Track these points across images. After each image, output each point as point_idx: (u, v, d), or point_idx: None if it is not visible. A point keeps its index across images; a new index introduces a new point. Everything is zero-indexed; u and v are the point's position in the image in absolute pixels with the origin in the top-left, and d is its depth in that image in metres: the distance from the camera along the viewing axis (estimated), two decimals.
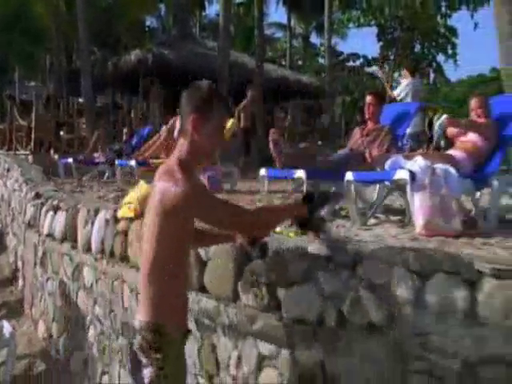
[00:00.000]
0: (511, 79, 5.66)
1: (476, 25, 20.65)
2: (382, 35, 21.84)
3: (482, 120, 4.53)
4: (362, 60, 30.77)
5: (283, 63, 28.12)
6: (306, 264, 2.48)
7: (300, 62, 33.52)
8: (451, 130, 4.64)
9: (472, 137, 4.45)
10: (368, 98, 5.14)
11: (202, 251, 3.02)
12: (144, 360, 1.85)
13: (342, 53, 31.93)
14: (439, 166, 3.87)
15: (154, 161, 7.28)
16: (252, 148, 12.75)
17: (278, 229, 3.12)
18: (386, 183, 4.02)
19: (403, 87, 7.84)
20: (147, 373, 1.83)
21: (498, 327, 2.22)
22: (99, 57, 20.71)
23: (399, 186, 3.91)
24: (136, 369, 1.89)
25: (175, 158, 1.92)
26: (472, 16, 20.38)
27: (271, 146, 4.79)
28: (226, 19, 17.12)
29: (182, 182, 1.80)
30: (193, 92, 1.97)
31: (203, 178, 7.20)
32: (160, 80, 16.71)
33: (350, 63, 31.51)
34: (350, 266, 2.38)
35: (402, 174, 3.72)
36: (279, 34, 35.02)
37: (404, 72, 8.33)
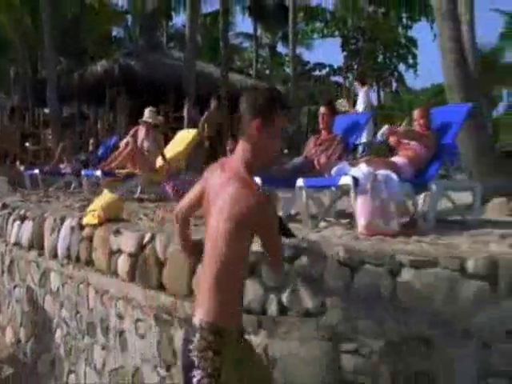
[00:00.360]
0: (452, 92, 6.08)
1: (435, 36, 21.35)
2: (345, 46, 22.47)
3: (423, 130, 4.92)
4: (327, 69, 31.43)
5: (251, 72, 28.51)
6: (251, 260, 2.77)
7: (268, 72, 34.04)
8: (393, 139, 5.02)
9: (413, 145, 4.83)
10: (322, 109, 5.50)
11: (159, 251, 3.29)
12: (197, 360, 1.82)
13: (308, 62, 32.53)
14: (381, 172, 4.23)
15: (120, 171, 7.49)
16: (218, 156, 13.07)
17: None
18: (333, 189, 4.34)
19: (361, 98, 8.29)
20: (197, 375, 1.81)
21: (415, 311, 2.56)
22: (65, 67, 20.72)
23: (344, 191, 4.23)
24: (187, 367, 1.87)
25: (241, 162, 1.94)
26: (431, 27, 21.23)
27: (230, 155, 5.07)
28: (192, 30, 17.37)
29: (254, 189, 1.88)
30: (254, 97, 1.98)
31: (168, 188, 7.46)
32: (126, 90, 16.87)
33: (317, 72, 32.15)
34: (289, 260, 2.69)
35: (346, 180, 4.06)
36: (247, 44, 35.44)
37: (356, 83, 8.78)
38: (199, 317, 1.86)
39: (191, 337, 1.85)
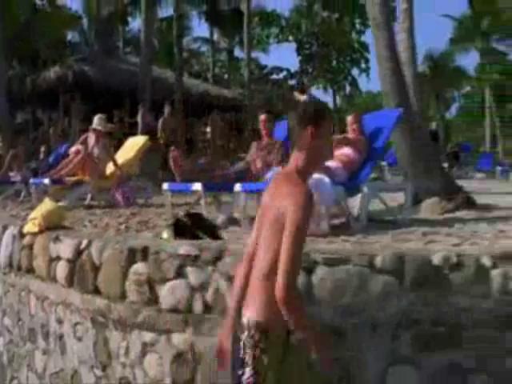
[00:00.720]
0: (388, 98, 6.38)
1: None
2: (300, 50, 22.84)
3: (355, 134, 5.19)
4: (285, 73, 31.83)
5: (209, 77, 28.62)
6: (178, 262, 2.94)
7: (226, 76, 34.26)
8: None
9: (346, 150, 5.09)
10: (262, 117, 5.71)
11: (95, 256, 3.42)
12: (246, 358, 1.86)
13: (265, 66, 32.88)
14: (314, 176, 4.46)
15: (70, 178, 7.52)
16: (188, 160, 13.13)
17: (165, 235, 3.58)
18: None
19: None
20: (246, 372, 1.85)
21: (329, 304, 2.78)
22: (18, 72, 20.39)
23: None
24: (236, 365, 1.91)
25: (293, 170, 2.00)
26: None
27: (171, 162, 5.24)
28: (148, 35, 17.39)
29: (305, 188, 1.91)
30: (303, 109, 2.06)
31: (118, 194, 7.54)
32: (81, 96, 16.75)
33: (274, 76, 32.51)
34: (213, 261, 2.87)
35: None
36: (205, 48, 35.57)
37: (296, 93, 9.11)
38: (248, 315, 1.91)
39: (240, 335, 1.91)
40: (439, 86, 32.97)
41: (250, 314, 1.90)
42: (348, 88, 24.34)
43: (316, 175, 4.53)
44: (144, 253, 3.10)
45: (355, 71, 23.39)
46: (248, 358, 1.85)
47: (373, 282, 2.78)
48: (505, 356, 2.91)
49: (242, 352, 1.88)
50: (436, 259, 2.89)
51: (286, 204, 1.83)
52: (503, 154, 24.49)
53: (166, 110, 12.60)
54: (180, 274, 2.92)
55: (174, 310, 2.93)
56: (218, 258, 2.87)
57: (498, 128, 29.50)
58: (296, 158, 2.01)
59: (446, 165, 17.31)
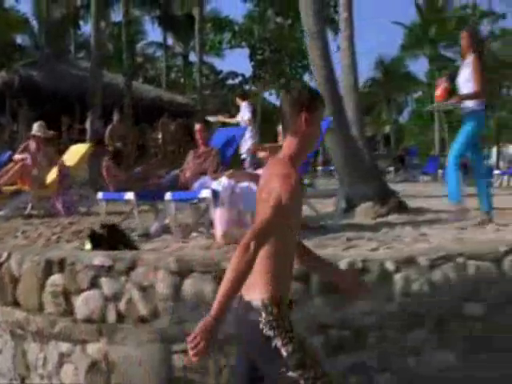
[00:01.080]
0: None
1: (338, 47, 22.41)
2: (253, 56, 23.02)
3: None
4: (240, 78, 31.94)
5: (162, 82, 28.51)
6: (92, 273, 2.99)
7: (182, 80, 34.16)
8: (264, 153, 5.42)
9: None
10: (197, 126, 5.80)
11: (14, 269, 3.43)
12: (272, 333, 1.87)
13: (221, 71, 32.95)
14: (242, 185, 4.57)
15: (8, 188, 7.38)
16: (123, 169, 13.04)
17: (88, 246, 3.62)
18: (195, 201, 4.64)
19: (245, 111, 8.74)
20: (279, 343, 1.87)
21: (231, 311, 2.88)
22: None
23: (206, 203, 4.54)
24: (266, 346, 1.89)
25: (287, 156, 1.99)
26: (334, 39, 22.28)
27: (104, 172, 5.27)
28: (98, 39, 17.22)
29: (292, 171, 1.91)
30: (298, 93, 2.06)
31: (58, 203, 7.46)
32: (28, 102, 16.42)
33: (230, 81, 32.59)
34: (126, 272, 2.94)
35: (205, 193, 4.36)
36: (160, 53, 35.38)
37: (237, 99, 9.23)
38: (256, 298, 1.92)
39: (257, 318, 1.90)
40: (391, 90, 33.83)
41: (259, 295, 1.92)
42: None
43: (244, 183, 4.67)
44: (61, 264, 3.14)
45: (307, 77, 23.73)
46: (274, 331, 1.87)
47: None
48: (407, 355, 3.08)
49: (265, 330, 1.88)
50: (342, 265, 3.04)
51: (275, 185, 1.88)
52: None
53: (115, 116, 12.51)
54: (94, 284, 2.98)
55: (88, 320, 2.98)
56: (131, 269, 2.94)
57: (447, 132, 30.48)
58: (288, 144, 2.02)
59: (392, 168, 17.91)
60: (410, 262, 3.17)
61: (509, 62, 29.76)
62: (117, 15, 25.87)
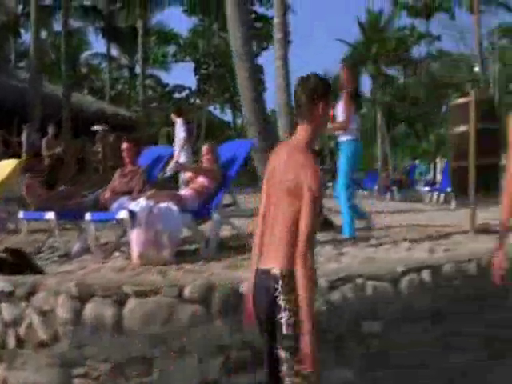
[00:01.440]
0: (251, 126, 6.73)
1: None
2: (198, 70, 23.15)
3: (210, 163, 5.45)
4: (187, 91, 31.95)
5: (106, 94, 28.13)
6: None
7: (128, 92, 33.80)
8: (189, 174, 5.52)
9: (201, 178, 5.32)
10: (124, 145, 5.83)
11: None
12: (283, 304, 2.03)
13: (167, 84, 32.87)
14: (161, 205, 4.65)
15: None
16: (59, 184, 12.80)
17: None
18: (114, 222, 4.67)
19: (180, 129, 8.80)
20: (285, 315, 2.02)
21: (139, 333, 2.96)
22: None
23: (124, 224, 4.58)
24: (273, 312, 2.05)
25: (302, 142, 2.15)
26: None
27: (24, 190, 5.23)
28: (38, 49, 16.93)
29: (313, 160, 2.11)
30: (315, 84, 2.17)
31: None
32: None
33: (176, 95, 32.52)
34: (26, 297, 2.96)
35: (122, 214, 4.41)
36: (105, 64, 34.93)
37: (172, 116, 9.24)
38: (277, 266, 2.08)
39: (274, 284, 2.06)
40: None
41: (280, 265, 2.08)
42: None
43: (163, 203, 4.74)
44: None
45: None
46: (285, 304, 2.04)
47: (181, 311, 3.00)
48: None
49: (279, 299, 2.05)
50: (242, 288, 3.16)
51: (302, 176, 2.05)
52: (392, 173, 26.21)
53: (50, 130, 12.30)
54: None
55: None
56: (31, 294, 2.97)
57: (389, 147, 31.46)
58: (304, 130, 2.16)
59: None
60: None
61: (446, 82, 31.22)
62: (59, 24, 25.46)
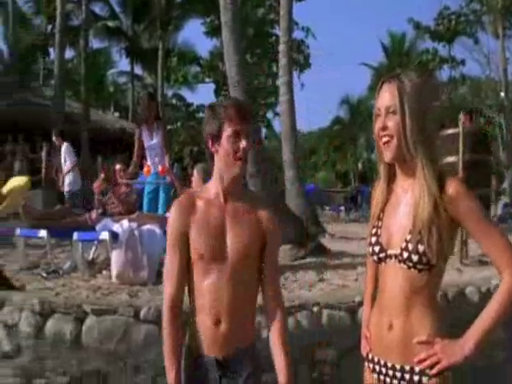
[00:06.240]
0: None
1: (303, 85, 23.16)
2: (218, 91, 23.51)
3: (196, 185, 5.67)
4: None
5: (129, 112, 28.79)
6: None
7: None
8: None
9: None
10: (117, 167, 6.13)
11: None
12: None
13: (191, 104, 33.44)
14: (144, 227, 4.89)
15: None
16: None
17: None
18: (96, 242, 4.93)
19: (63, 154, 9.08)
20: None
21: (96, 350, 3.18)
22: None
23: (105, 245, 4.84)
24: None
25: None
26: (299, 77, 22.98)
27: (21, 207, 5.54)
28: (61, 68, 17.54)
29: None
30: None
31: None
32: None
33: (201, 114, 33.04)
34: None
35: (104, 235, 4.66)
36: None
37: (55, 139, 9.43)
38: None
39: None
40: (356, 130, 34.76)
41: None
42: (264, 130, 25.27)
43: (147, 226, 4.98)
44: None
45: (271, 114, 24.34)
46: None
47: (136, 330, 3.21)
48: None
49: None
50: None
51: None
52: None
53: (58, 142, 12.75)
54: None
55: None
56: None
57: None
58: None
59: (342, 208, 18.28)
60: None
61: (468, 107, 31.00)
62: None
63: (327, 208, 19.27)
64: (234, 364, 1.79)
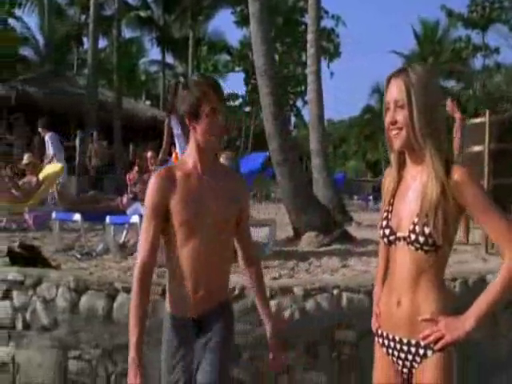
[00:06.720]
0: (270, 139, 7.03)
1: (332, 74, 23.10)
2: (248, 80, 23.63)
3: None
4: (240, 100, 32.53)
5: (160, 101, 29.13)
6: (5, 286, 3.51)
7: None
8: None
9: None
10: (148, 154, 6.35)
11: None
12: None
13: None
14: None
15: None
16: (105, 185, 13.62)
17: None
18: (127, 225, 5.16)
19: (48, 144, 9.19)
20: None
21: (126, 325, 3.37)
22: None
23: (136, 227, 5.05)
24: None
25: None
26: (328, 66, 22.92)
27: (55, 192, 5.82)
28: (94, 58, 17.91)
29: None
30: None
31: (28, 218, 7.95)
32: (25, 117, 16.99)
33: (231, 103, 33.14)
34: (33, 286, 3.45)
35: (134, 219, 4.88)
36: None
37: (40, 130, 9.51)
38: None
39: None
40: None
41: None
42: (293, 119, 25.30)
43: None
44: None
45: (300, 103, 24.34)
46: None
47: (162, 307, 3.38)
48: (278, 374, 3.54)
49: None
50: None
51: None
52: None
53: (94, 137, 13.13)
54: (7, 296, 3.49)
55: (0, 326, 3.49)
56: (37, 284, 3.46)
57: None
58: None
59: (371, 197, 18.30)
60: (285, 291, 3.65)
61: (503, 96, 30.33)
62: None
63: (356, 197, 19.29)
64: (209, 321, 1.95)
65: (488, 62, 29.25)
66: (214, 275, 1.93)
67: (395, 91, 1.71)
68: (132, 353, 1.85)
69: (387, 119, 1.73)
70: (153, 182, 1.90)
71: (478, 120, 6.69)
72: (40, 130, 9.43)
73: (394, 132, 1.72)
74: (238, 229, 2.02)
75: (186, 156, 1.97)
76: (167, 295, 2.02)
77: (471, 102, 29.59)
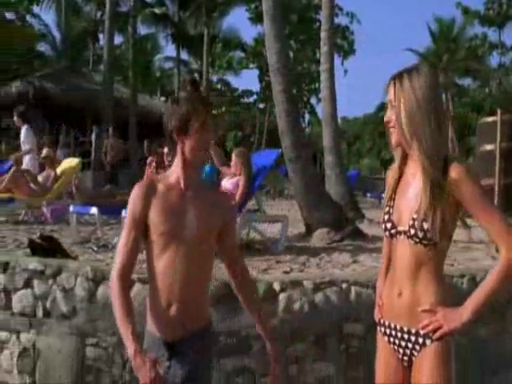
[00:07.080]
0: (283, 136, 7.11)
1: (346, 71, 23.11)
2: (262, 77, 23.70)
3: (237, 170, 5.90)
4: (255, 97, 32.63)
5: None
6: (27, 275, 3.66)
7: None
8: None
9: (227, 185, 5.81)
10: (165, 150, 6.45)
11: None
12: None
13: (237, 89, 33.71)
14: None
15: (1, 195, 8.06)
16: (120, 180, 13.83)
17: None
18: None
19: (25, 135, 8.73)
20: None
21: (141, 313, 3.50)
22: None
23: None
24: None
25: None
26: (342, 63, 22.93)
27: (73, 186, 5.97)
28: (110, 54, 18.11)
29: None
30: None
31: (46, 211, 8.12)
32: (43, 112, 17.25)
33: (245, 99, 33.27)
34: (53, 276, 3.60)
35: None
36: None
37: (16, 119, 8.60)
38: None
39: None
40: None
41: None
42: (307, 116, 25.35)
43: None
44: (5, 267, 3.80)
45: (314, 100, 24.38)
46: None
47: None
48: (288, 364, 3.65)
49: None
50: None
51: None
52: None
53: (110, 132, 13.32)
54: (28, 284, 3.64)
55: (22, 314, 3.65)
56: (57, 274, 3.60)
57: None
58: None
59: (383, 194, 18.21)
60: (295, 284, 3.75)
61: None
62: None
63: (369, 195, 19.30)
64: (181, 345, 1.89)
65: (504, 60, 29.07)
66: (188, 297, 1.89)
67: (391, 92, 1.81)
68: (132, 346, 1.79)
69: (384, 118, 1.84)
70: (135, 190, 1.92)
71: (490, 119, 6.75)
72: (15, 119, 8.61)
73: (390, 130, 1.82)
74: (224, 247, 1.98)
75: (170, 170, 1.95)
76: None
77: (487, 100, 29.41)
